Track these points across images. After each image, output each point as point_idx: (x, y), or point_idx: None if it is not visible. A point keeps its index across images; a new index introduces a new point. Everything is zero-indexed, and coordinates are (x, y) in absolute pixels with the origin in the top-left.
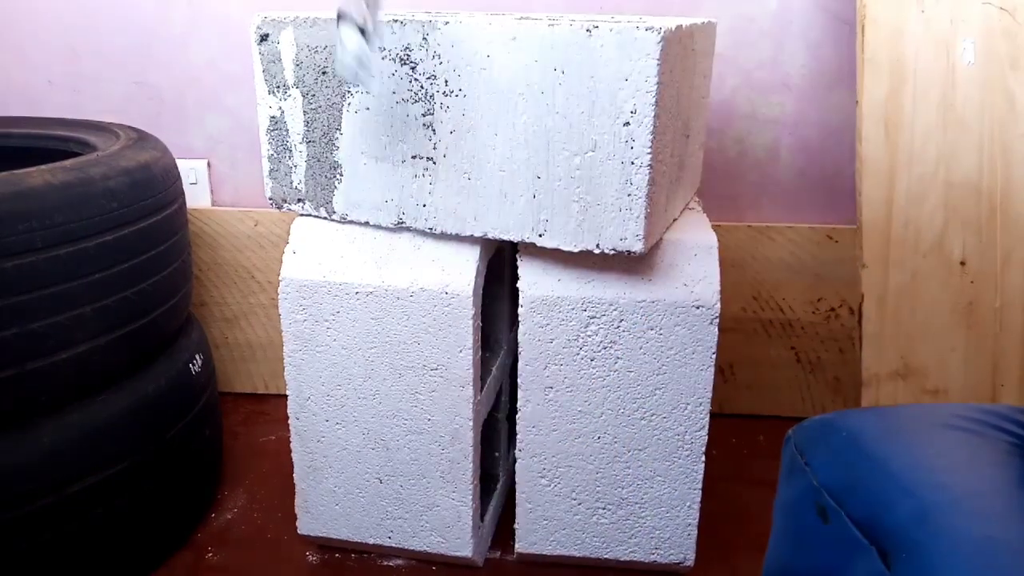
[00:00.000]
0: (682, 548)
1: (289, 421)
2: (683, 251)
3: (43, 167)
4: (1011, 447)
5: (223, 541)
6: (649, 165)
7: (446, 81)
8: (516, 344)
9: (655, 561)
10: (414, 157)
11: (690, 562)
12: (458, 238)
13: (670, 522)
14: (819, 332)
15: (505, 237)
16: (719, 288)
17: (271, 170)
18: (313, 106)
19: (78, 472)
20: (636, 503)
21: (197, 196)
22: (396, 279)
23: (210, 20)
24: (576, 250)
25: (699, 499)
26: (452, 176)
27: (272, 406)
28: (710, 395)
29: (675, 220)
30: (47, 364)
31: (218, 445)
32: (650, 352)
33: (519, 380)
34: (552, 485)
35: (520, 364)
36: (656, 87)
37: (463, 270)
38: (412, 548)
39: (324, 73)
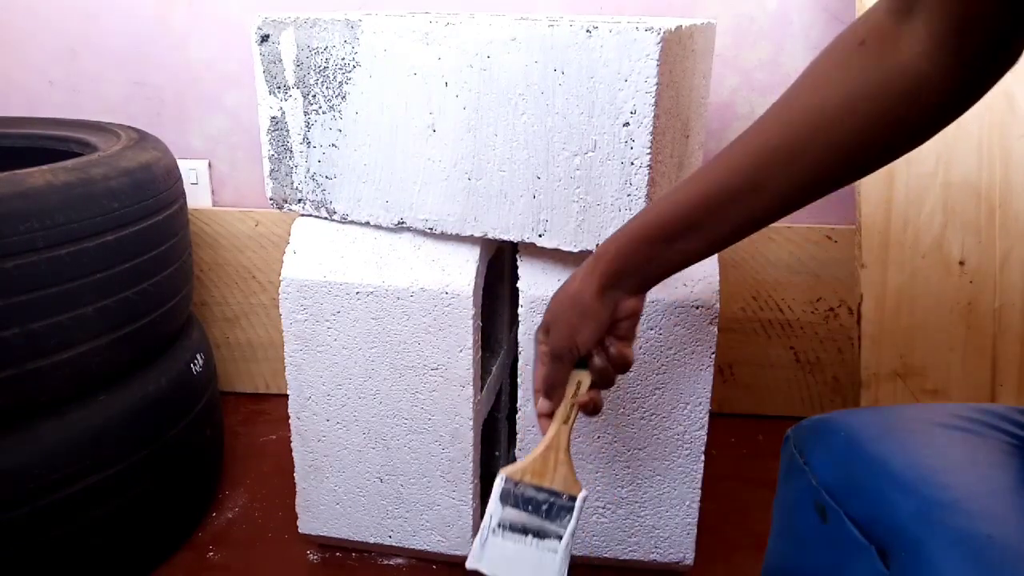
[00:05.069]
0: (681, 547)
1: (290, 421)
2: None
3: (44, 167)
4: (1010, 447)
5: (224, 540)
6: (649, 165)
7: (446, 83)
8: (516, 344)
9: (654, 560)
10: (415, 157)
11: (689, 561)
12: (458, 238)
13: (669, 521)
14: (818, 332)
15: (505, 237)
16: (718, 288)
17: (272, 170)
18: (314, 106)
19: (78, 472)
20: (636, 502)
21: (198, 196)
22: (396, 279)
23: (210, 20)
24: (576, 250)
25: (698, 498)
26: (453, 176)
27: (273, 406)
28: (709, 395)
29: None
30: (48, 364)
31: (219, 445)
32: (650, 352)
33: (519, 380)
34: None
35: (520, 364)
36: (655, 87)
37: (463, 270)
38: (413, 547)
39: (324, 73)
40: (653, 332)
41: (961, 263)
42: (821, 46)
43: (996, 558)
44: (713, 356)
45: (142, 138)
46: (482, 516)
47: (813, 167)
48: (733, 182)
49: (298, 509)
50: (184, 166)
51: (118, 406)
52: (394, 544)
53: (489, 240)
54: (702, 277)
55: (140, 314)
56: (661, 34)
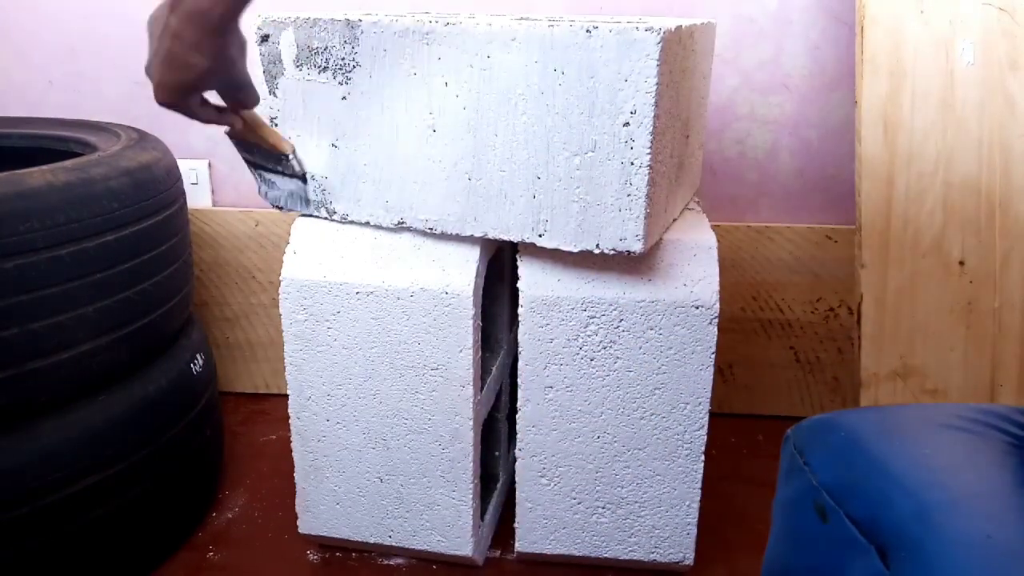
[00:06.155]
0: (681, 547)
1: (290, 421)
2: (683, 251)
3: (44, 167)
4: (1010, 447)
5: (224, 540)
6: (649, 165)
7: (446, 83)
8: (516, 344)
9: (655, 560)
10: (415, 157)
11: (689, 561)
12: (458, 238)
13: (670, 521)
14: (818, 332)
15: (505, 237)
16: (718, 288)
17: None
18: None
19: (78, 472)
20: (636, 502)
21: (198, 196)
22: (396, 279)
23: None
24: (576, 250)
25: (698, 498)
26: (453, 176)
27: (273, 406)
28: (709, 395)
29: (675, 220)
30: (48, 364)
31: (219, 445)
32: (650, 352)
33: (519, 380)
34: (552, 484)
35: (520, 364)
36: (656, 87)
37: (463, 270)
38: (412, 547)
39: (324, 72)
40: (653, 332)
41: (961, 263)
42: (821, 46)
43: (996, 558)
44: (713, 356)
45: (142, 138)
46: (483, 517)
47: None
48: None
49: (298, 509)
50: (184, 166)
51: (118, 406)
52: (394, 544)
53: (489, 240)
54: (702, 277)
55: (140, 314)
56: (661, 34)
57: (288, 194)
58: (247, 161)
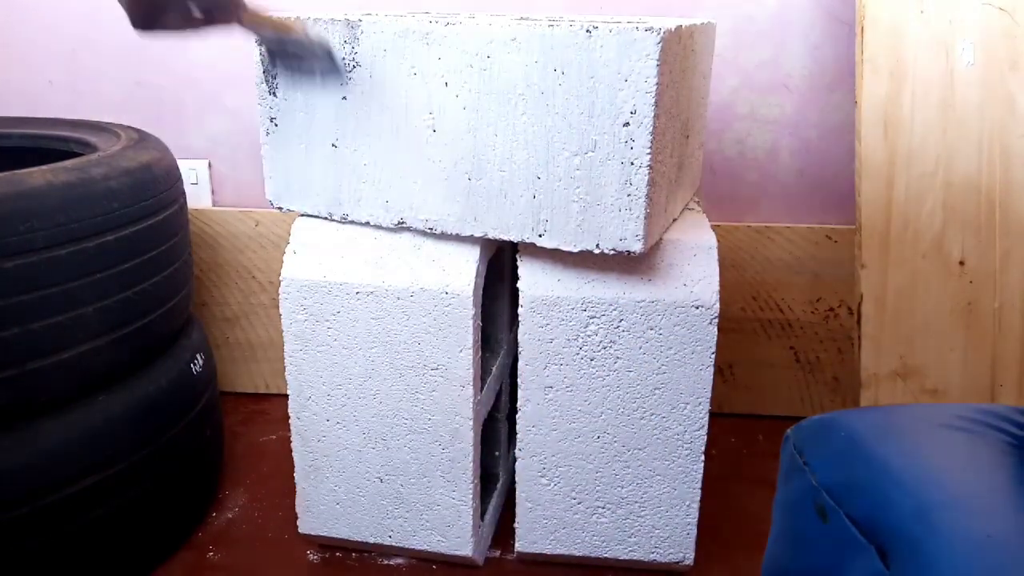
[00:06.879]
0: (681, 547)
1: (290, 421)
2: (683, 251)
3: (44, 167)
4: (1009, 447)
5: (224, 540)
6: (649, 165)
7: (446, 83)
8: (516, 344)
9: (655, 560)
10: (415, 157)
11: (689, 561)
12: (458, 238)
13: (670, 521)
14: (818, 332)
15: (505, 237)
16: (718, 288)
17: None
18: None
19: (78, 472)
20: (636, 502)
21: (198, 196)
22: (396, 279)
23: None
24: (576, 250)
25: (698, 498)
26: (453, 176)
27: (273, 406)
28: (709, 395)
29: (675, 220)
30: (48, 364)
31: (219, 445)
32: (650, 352)
33: (519, 380)
34: (552, 484)
35: (520, 364)
36: (656, 87)
37: (463, 270)
38: (412, 547)
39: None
40: (653, 332)
41: (961, 263)
42: (821, 46)
43: (995, 557)
44: (713, 356)
45: (142, 138)
46: (483, 517)
47: None
48: None
49: (298, 509)
50: (184, 166)
51: (118, 406)
52: (394, 544)
53: (489, 240)
54: (702, 277)
55: (140, 314)
56: (661, 34)
57: (321, 74)
58: (271, 55)
